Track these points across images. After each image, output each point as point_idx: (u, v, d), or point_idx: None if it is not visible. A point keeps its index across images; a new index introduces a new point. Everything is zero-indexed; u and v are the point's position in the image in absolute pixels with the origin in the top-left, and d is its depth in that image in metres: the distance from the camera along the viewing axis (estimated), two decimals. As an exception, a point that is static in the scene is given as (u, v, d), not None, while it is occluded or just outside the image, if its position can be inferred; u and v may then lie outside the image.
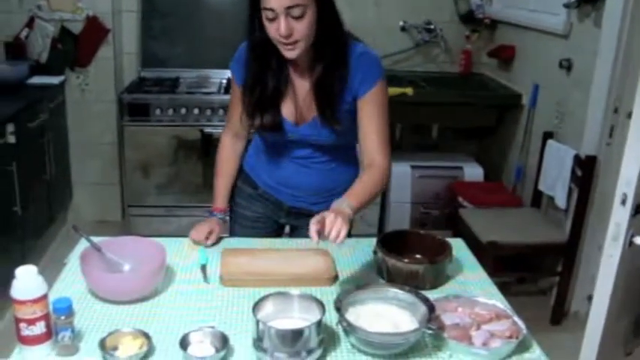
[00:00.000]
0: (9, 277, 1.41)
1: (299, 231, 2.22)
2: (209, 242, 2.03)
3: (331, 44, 1.87)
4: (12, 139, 3.24)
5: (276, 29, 1.76)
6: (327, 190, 2.11)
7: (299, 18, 1.75)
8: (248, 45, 1.94)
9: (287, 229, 2.32)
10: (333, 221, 1.61)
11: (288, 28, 1.75)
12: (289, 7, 1.73)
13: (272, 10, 1.74)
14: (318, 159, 2.09)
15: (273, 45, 1.84)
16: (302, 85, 1.97)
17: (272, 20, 1.76)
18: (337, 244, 1.61)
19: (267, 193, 2.19)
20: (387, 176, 1.98)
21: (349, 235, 1.95)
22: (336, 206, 1.73)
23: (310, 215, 1.92)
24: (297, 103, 1.98)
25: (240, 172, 2.24)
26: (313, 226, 1.60)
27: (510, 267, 3.52)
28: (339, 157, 2.12)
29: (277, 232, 2.28)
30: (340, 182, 2.08)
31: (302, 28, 1.77)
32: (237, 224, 2.26)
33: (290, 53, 1.82)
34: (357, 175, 2.09)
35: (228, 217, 2.23)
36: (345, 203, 1.75)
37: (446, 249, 1.86)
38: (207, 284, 1.79)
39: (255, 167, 2.19)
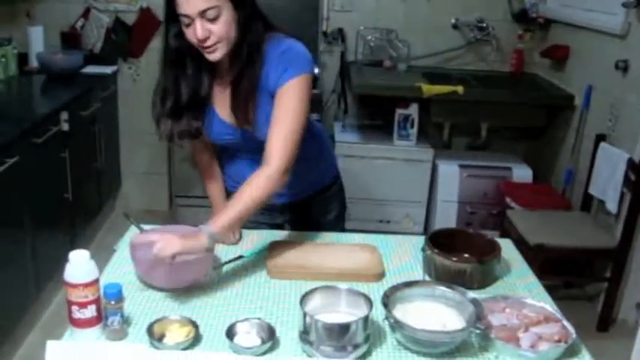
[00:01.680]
0: (59, 262, 1.44)
1: (304, 219, 2.20)
2: (236, 238, 2.00)
3: (247, 43, 1.81)
4: (65, 127, 3.31)
5: (193, 34, 1.72)
6: (314, 168, 2.10)
7: (214, 20, 1.71)
8: (164, 53, 1.91)
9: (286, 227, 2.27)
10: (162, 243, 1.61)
11: (205, 31, 1.71)
12: (203, 11, 1.69)
13: (187, 15, 1.70)
14: None
15: (189, 50, 1.80)
16: (225, 88, 1.90)
17: (188, 26, 1.73)
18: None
19: None
20: (278, 180, 1.79)
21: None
22: (196, 234, 1.69)
23: (304, 203, 2.05)
24: (228, 105, 1.90)
25: (227, 193, 2.17)
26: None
27: (557, 271, 3.45)
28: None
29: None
30: (313, 156, 2.08)
31: (219, 30, 1.73)
32: None
33: (212, 56, 1.78)
34: (326, 142, 2.20)
35: None
36: (206, 231, 1.69)
37: (495, 249, 1.84)
38: (254, 276, 1.80)
39: (238, 183, 1.97)
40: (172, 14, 1.75)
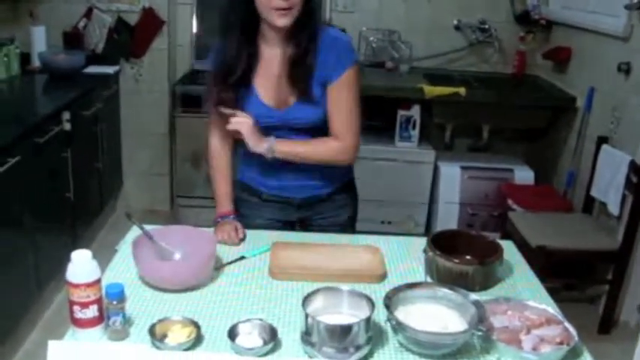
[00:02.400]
0: (61, 261, 1.44)
1: (316, 220, 2.20)
2: (240, 237, 2.00)
3: (306, 25, 1.90)
4: (67, 127, 3.32)
5: None
6: (329, 168, 2.10)
7: None
8: (226, 27, 1.96)
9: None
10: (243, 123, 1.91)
11: None
12: None
13: None
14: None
15: (250, 21, 1.90)
16: (274, 67, 1.97)
17: None
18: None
19: (274, 196, 2.15)
20: (348, 154, 2.02)
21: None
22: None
23: (320, 200, 2.09)
24: (276, 87, 1.98)
25: (239, 185, 2.20)
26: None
27: (559, 273, 3.44)
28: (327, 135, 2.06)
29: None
30: None
31: None
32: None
33: (282, 20, 1.84)
34: None
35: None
36: (271, 139, 1.95)
37: (497, 251, 1.84)
38: (256, 277, 1.80)
39: (254, 175, 2.15)
40: None
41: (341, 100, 1.96)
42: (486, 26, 4.48)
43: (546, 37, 4.46)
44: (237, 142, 2.13)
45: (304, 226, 2.23)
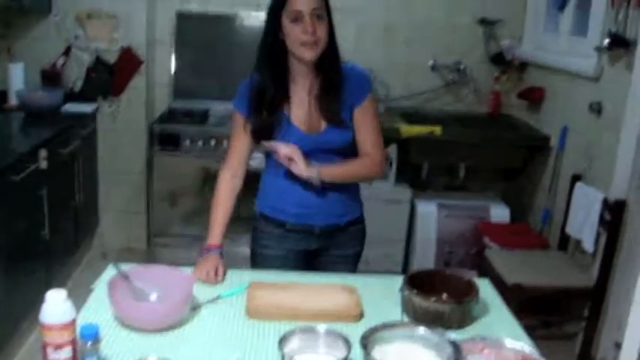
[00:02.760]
0: (35, 301, 1.43)
1: (331, 250, 2.30)
2: (219, 279, 2.02)
3: (332, 57, 2.11)
4: (44, 165, 3.29)
5: (302, 29, 2.01)
6: (348, 192, 2.26)
7: (320, 20, 2.03)
8: (260, 63, 2.15)
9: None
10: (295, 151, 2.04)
11: (313, 26, 2.01)
12: (314, 9, 2.01)
13: (299, 11, 2.00)
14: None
15: (281, 53, 2.09)
16: (305, 96, 2.16)
17: (297, 22, 2.02)
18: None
19: (297, 224, 2.23)
20: (379, 166, 2.23)
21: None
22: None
23: (340, 229, 2.22)
24: (307, 114, 2.15)
25: (260, 217, 2.30)
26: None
27: (535, 310, 3.46)
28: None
29: (308, 262, 2.30)
30: (354, 186, 2.30)
31: (321, 30, 2.03)
32: (267, 266, 2.25)
33: (310, 53, 2.04)
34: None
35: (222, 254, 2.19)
36: (317, 164, 2.09)
37: (472, 289, 1.85)
38: (233, 317, 1.79)
39: (277, 204, 2.24)
40: (275, 19, 2.06)
41: (367, 121, 2.18)
42: (462, 67, 4.56)
43: (520, 77, 4.55)
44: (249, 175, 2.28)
45: (320, 257, 2.32)
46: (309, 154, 2.11)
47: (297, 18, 2.02)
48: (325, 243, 2.29)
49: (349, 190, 2.27)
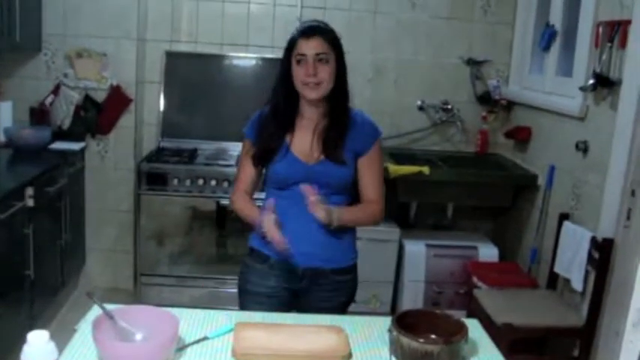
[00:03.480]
0: (18, 341, 1.40)
1: (314, 293, 2.29)
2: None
3: (339, 98, 2.24)
4: (30, 203, 3.27)
5: (305, 71, 2.15)
6: (338, 239, 2.28)
7: (324, 63, 2.17)
8: (274, 97, 2.28)
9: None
10: (318, 204, 2.13)
11: (315, 68, 2.15)
12: (318, 54, 2.16)
13: (303, 54, 2.16)
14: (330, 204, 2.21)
15: (290, 99, 2.24)
16: (309, 131, 2.26)
17: (300, 63, 2.17)
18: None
19: (281, 262, 2.25)
20: (381, 216, 2.34)
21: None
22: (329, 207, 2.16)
23: (324, 274, 2.25)
24: (309, 145, 2.24)
25: (249, 253, 2.36)
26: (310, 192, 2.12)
27: (525, 350, 3.44)
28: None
29: (292, 303, 2.31)
30: (348, 232, 2.34)
31: (324, 72, 2.17)
32: (251, 302, 2.30)
33: (312, 93, 2.18)
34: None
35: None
36: (336, 209, 2.18)
37: (461, 329, 1.83)
38: (219, 358, 1.76)
39: (263, 239, 2.23)
40: (286, 61, 2.22)
41: (373, 171, 2.30)
42: (449, 106, 4.59)
43: (507, 116, 4.59)
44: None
45: (305, 299, 2.32)
46: (303, 183, 2.19)
47: (301, 60, 2.17)
48: (309, 285, 2.29)
49: (343, 236, 2.31)
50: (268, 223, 2.13)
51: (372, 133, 2.31)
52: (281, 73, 2.26)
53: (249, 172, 2.34)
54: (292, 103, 2.27)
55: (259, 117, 2.32)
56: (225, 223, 3.94)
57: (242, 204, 2.33)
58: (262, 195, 2.43)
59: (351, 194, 2.33)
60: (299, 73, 2.18)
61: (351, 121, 2.27)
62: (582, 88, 3.38)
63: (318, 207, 2.14)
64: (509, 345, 3.04)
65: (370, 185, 2.30)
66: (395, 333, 1.79)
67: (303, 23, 2.28)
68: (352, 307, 2.44)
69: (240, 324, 1.92)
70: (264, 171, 2.35)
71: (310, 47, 2.16)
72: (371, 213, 2.31)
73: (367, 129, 2.30)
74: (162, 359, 1.67)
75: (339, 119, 2.25)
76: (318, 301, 2.29)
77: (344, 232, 2.30)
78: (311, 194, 2.14)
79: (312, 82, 2.17)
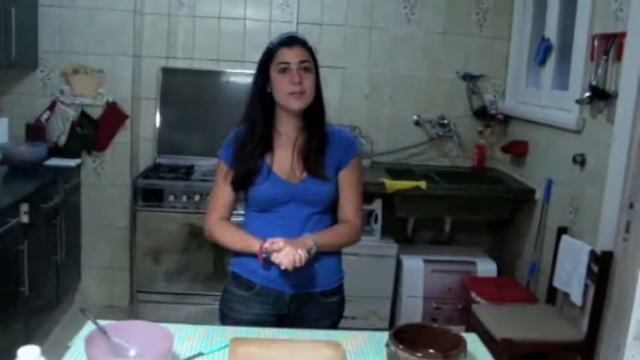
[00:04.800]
0: (11, 358, 1.38)
1: (302, 317, 2.21)
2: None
3: (317, 112, 2.18)
4: (25, 219, 3.25)
5: (290, 80, 2.09)
6: (325, 260, 2.20)
7: (307, 72, 2.11)
8: (249, 115, 2.20)
9: None
10: (290, 251, 1.95)
11: (299, 77, 2.08)
12: (302, 61, 2.10)
13: (287, 62, 2.10)
14: (313, 225, 2.17)
15: (267, 107, 2.17)
16: (289, 147, 2.19)
17: (284, 72, 2.10)
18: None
19: (266, 288, 2.18)
20: (358, 234, 2.28)
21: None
22: (303, 237, 2.06)
23: (313, 297, 2.18)
24: (290, 164, 2.18)
25: (231, 278, 2.26)
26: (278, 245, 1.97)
27: (525, 365, 3.41)
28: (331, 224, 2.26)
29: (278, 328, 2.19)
30: (334, 252, 2.27)
31: (308, 81, 2.11)
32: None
33: (296, 103, 2.11)
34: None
35: None
36: (311, 237, 2.07)
37: (460, 344, 1.81)
38: (214, 373, 1.74)
39: (249, 264, 2.17)
40: (263, 71, 2.15)
41: (352, 185, 2.23)
42: (445, 121, 4.59)
43: (504, 130, 4.59)
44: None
45: (293, 322, 2.20)
46: (288, 203, 2.15)
47: (284, 69, 2.10)
48: (297, 310, 2.22)
49: (329, 257, 2.23)
50: (279, 243, 2.00)
51: (350, 146, 2.25)
52: (256, 88, 2.18)
53: (226, 197, 2.22)
54: (269, 120, 2.19)
55: (235, 138, 2.22)
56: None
57: (227, 231, 2.21)
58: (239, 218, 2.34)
59: (334, 215, 2.26)
60: (282, 84, 2.11)
61: (329, 135, 2.22)
62: (579, 101, 3.38)
63: (292, 248, 1.97)
64: (508, 360, 3.02)
65: (349, 203, 2.23)
66: (392, 348, 1.76)
67: (279, 36, 2.19)
68: (350, 323, 2.42)
69: (236, 340, 1.89)
70: (240, 194, 2.26)
71: (294, 55, 2.11)
72: (349, 232, 2.24)
73: (346, 142, 2.25)
74: (157, 375, 1.65)
75: (318, 133, 2.19)
76: (305, 325, 2.16)
77: (330, 252, 2.23)
78: (276, 242, 1.99)
79: (297, 92, 2.09)
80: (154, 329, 1.78)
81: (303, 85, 2.10)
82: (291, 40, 2.14)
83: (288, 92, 2.11)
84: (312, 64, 2.14)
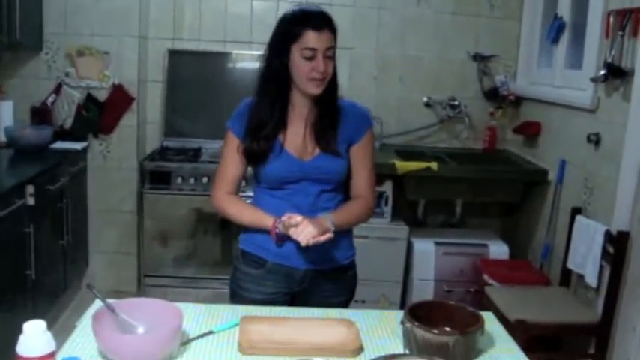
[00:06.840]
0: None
1: (314, 294, 2.18)
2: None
3: (331, 90, 2.10)
4: (31, 201, 3.21)
5: (314, 66, 2.00)
6: (343, 240, 2.18)
7: (331, 58, 2.03)
8: (262, 89, 2.10)
9: None
10: (306, 226, 1.92)
11: (325, 65, 2.00)
12: (328, 48, 2.01)
13: (313, 49, 1.99)
14: (324, 203, 2.13)
15: (284, 84, 2.07)
16: (301, 124, 2.12)
17: (309, 59, 1.99)
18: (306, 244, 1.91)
19: (278, 265, 2.14)
20: (372, 210, 2.23)
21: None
22: (321, 218, 2.01)
23: (325, 274, 2.12)
24: (302, 141, 2.11)
25: (241, 256, 2.21)
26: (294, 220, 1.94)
27: (539, 347, 3.35)
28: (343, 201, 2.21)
29: (290, 306, 2.17)
30: (348, 232, 2.23)
31: (331, 67, 2.04)
32: None
33: (317, 89, 2.04)
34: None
35: None
36: (329, 219, 2.02)
37: (477, 320, 1.76)
38: (225, 352, 1.69)
39: (259, 241, 2.14)
40: (283, 48, 2.02)
41: (365, 160, 2.17)
42: (456, 102, 4.53)
43: (516, 112, 4.52)
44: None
45: (304, 300, 2.17)
46: (299, 182, 2.10)
47: (310, 57, 2.00)
48: (309, 287, 2.18)
49: (341, 234, 2.13)
50: (297, 218, 1.97)
51: (363, 120, 2.18)
52: (275, 64, 2.05)
53: (235, 171, 2.16)
54: (285, 96, 2.10)
55: (247, 109, 2.13)
56: (230, 222, 3.87)
57: (238, 205, 2.17)
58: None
59: (345, 191, 2.21)
60: (305, 69, 2.00)
61: (341, 109, 2.15)
62: (593, 79, 3.31)
63: (309, 225, 1.94)
64: (523, 342, 2.95)
65: (362, 178, 2.18)
66: (408, 324, 1.72)
67: (302, 6, 2.07)
68: (360, 306, 2.36)
69: (246, 317, 1.85)
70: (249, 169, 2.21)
71: (322, 41, 1.99)
72: (364, 209, 2.19)
73: (359, 117, 2.18)
74: (166, 352, 1.61)
75: (331, 110, 2.13)
76: (317, 302, 2.14)
77: (342, 231, 2.14)
78: (294, 217, 1.97)
79: (319, 78, 2.02)
80: (163, 306, 1.75)
81: (327, 72, 2.02)
82: (320, 24, 2.00)
83: (309, 78, 2.02)
84: (334, 48, 2.05)
